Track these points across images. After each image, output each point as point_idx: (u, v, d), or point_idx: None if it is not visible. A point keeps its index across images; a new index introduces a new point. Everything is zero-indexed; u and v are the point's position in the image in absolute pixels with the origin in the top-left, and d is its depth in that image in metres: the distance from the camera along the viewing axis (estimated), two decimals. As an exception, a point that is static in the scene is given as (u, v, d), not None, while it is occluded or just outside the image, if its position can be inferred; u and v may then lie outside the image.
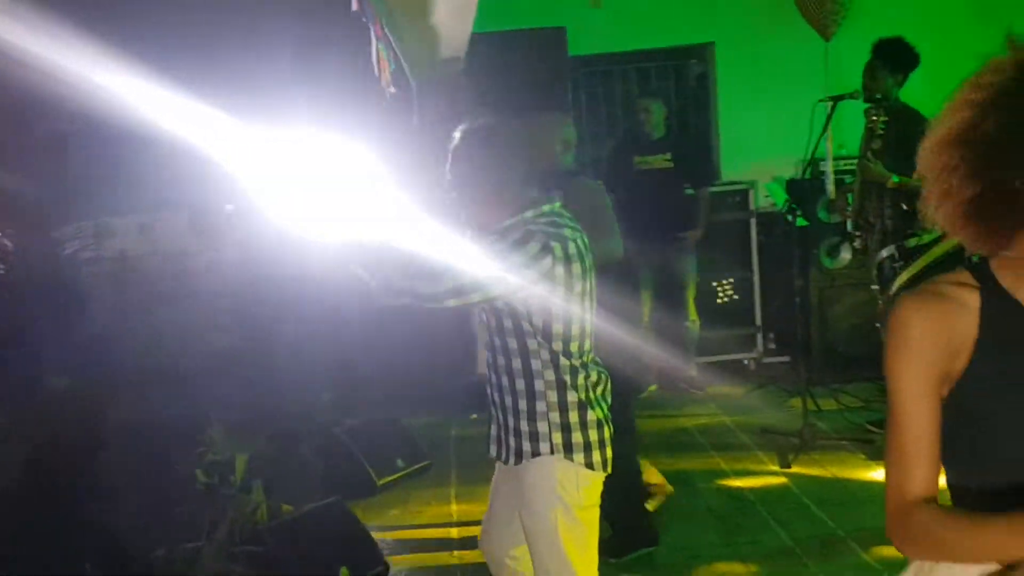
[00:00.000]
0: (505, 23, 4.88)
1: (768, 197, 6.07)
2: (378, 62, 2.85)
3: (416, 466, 4.69)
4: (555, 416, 2.26)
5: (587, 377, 2.30)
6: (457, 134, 2.35)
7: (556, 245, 2.21)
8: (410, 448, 4.79)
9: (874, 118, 4.20)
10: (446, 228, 2.35)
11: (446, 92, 5.03)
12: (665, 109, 5.68)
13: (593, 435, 2.28)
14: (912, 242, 3.26)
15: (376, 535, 3.76)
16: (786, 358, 6.15)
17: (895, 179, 4.21)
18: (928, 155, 1.27)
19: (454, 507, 4.28)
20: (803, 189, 5.80)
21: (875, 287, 3.61)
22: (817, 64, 6.19)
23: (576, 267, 2.25)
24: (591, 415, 2.29)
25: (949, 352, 1.24)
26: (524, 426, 2.28)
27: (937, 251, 3.22)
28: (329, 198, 2.27)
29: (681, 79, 6.72)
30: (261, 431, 4.33)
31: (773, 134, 6.22)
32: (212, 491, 3.55)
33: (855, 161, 5.83)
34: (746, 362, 6.27)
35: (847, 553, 3.56)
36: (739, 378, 5.98)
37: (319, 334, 4.79)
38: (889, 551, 3.51)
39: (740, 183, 6.13)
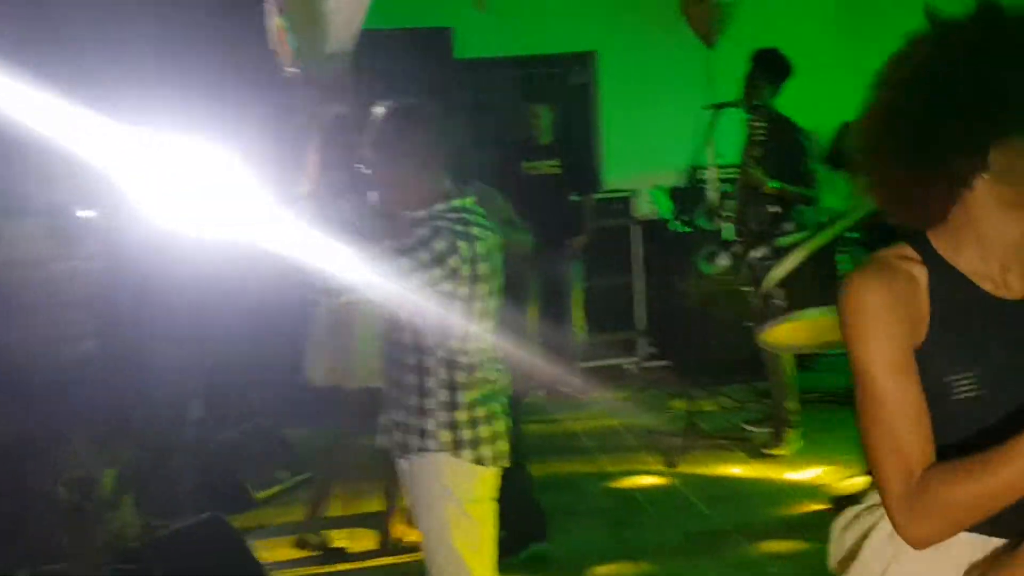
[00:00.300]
0: (391, 20, 4.78)
1: (652, 204, 6.18)
2: (277, 39, 2.69)
3: (297, 478, 4.51)
4: (443, 415, 2.21)
5: (483, 376, 2.26)
6: (382, 110, 2.28)
7: (463, 244, 2.16)
8: (290, 460, 4.61)
9: (755, 125, 4.32)
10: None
11: (328, 88, 4.87)
12: (552, 115, 5.72)
13: (484, 431, 2.24)
14: (783, 241, 3.35)
15: (258, 550, 3.57)
16: (666, 362, 6.29)
17: (771, 184, 4.36)
18: (860, 137, 1.26)
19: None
20: (685, 196, 5.95)
21: (747, 287, 3.69)
22: (699, 73, 6.37)
23: (482, 267, 2.20)
24: (482, 411, 2.25)
25: (910, 323, 1.20)
26: (413, 421, 2.23)
27: (816, 243, 3.32)
28: (202, 197, 2.12)
29: (564, 86, 6.78)
30: (130, 443, 4.05)
31: (656, 142, 6.36)
32: (76, 508, 3.30)
33: (736, 169, 6.04)
34: (627, 366, 6.36)
35: (735, 547, 3.63)
36: (622, 382, 6.07)
37: (190, 342, 4.55)
38: (776, 544, 3.64)
39: (623, 191, 6.23)
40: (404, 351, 2.24)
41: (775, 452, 4.63)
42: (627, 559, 3.62)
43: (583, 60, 6.70)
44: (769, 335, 3.48)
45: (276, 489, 4.39)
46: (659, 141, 6.43)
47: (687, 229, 5.66)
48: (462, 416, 2.22)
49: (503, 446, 2.27)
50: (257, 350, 4.96)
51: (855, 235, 3.44)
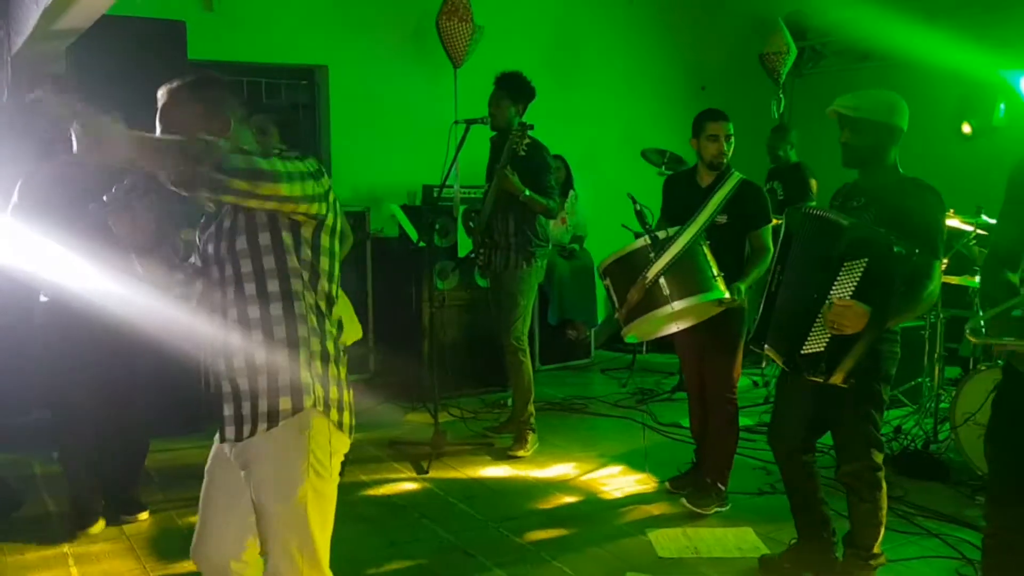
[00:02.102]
0: (121, 7, 4.41)
1: (392, 219, 6.25)
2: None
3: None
4: (317, 365, 2.07)
5: (338, 330, 2.16)
6: (175, 84, 2.14)
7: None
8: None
9: (520, 141, 4.57)
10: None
11: (48, 67, 4.39)
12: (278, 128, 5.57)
13: (346, 395, 2.15)
14: (662, 234, 3.61)
15: None
16: (393, 378, 6.33)
17: (527, 192, 4.65)
18: None
19: (65, 548, 3.67)
20: (422, 212, 6.10)
21: (605, 281, 3.88)
22: (443, 91, 6.60)
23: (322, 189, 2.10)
24: (342, 372, 2.15)
25: None
26: (285, 380, 2.04)
27: (687, 236, 3.62)
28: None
29: (293, 98, 6.65)
30: None
31: (390, 158, 6.46)
32: None
33: (474, 187, 6.31)
34: (359, 381, 6.31)
35: (503, 540, 3.78)
36: (356, 396, 5.99)
37: None
38: (542, 533, 3.85)
39: (356, 207, 6.23)
40: (268, 299, 2.05)
41: (519, 453, 4.88)
42: (402, 559, 3.61)
43: (312, 73, 6.63)
44: (629, 330, 3.69)
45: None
46: (393, 157, 6.55)
47: (422, 244, 5.79)
48: (332, 371, 2.10)
49: (353, 419, 2.19)
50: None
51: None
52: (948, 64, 6.52)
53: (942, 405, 5.02)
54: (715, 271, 3.64)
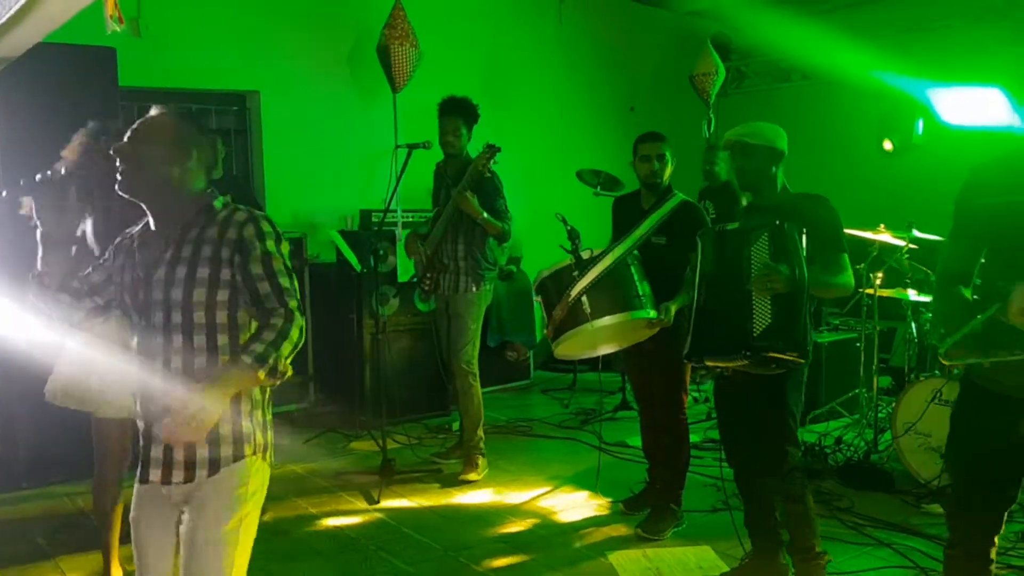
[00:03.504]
0: (54, 34, 4.25)
1: (331, 244, 6.14)
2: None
3: None
4: (258, 414, 2.16)
5: None
6: (138, 124, 2.16)
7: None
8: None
9: (487, 163, 4.55)
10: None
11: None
12: (223, 150, 5.44)
13: (271, 435, 2.22)
14: (586, 254, 3.65)
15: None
16: (334, 407, 6.21)
17: (484, 215, 4.62)
18: None
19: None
20: (360, 237, 6.01)
21: (537, 298, 3.88)
22: (377, 115, 6.53)
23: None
24: (269, 414, 2.23)
25: None
26: (225, 430, 2.09)
27: (612, 257, 3.68)
28: None
29: (223, 124, 6.50)
30: None
31: (325, 184, 6.36)
32: None
33: (414, 211, 6.25)
34: (298, 411, 6.17)
35: (463, 570, 3.72)
36: (293, 428, 5.88)
37: None
38: (499, 560, 3.79)
39: (293, 233, 6.10)
40: (216, 352, 2.08)
41: (470, 478, 4.82)
42: (361, 595, 3.52)
43: (243, 100, 6.49)
44: (559, 347, 3.70)
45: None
46: (328, 182, 6.45)
47: (362, 270, 5.71)
48: (269, 416, 2.21)
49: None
50: None
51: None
52: (869, 83, 6.77)
53: (880, 415, 5.16)
54: (641, 291, 3.67)
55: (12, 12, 3.06)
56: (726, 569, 3.57)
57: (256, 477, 2.15)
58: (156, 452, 2.13)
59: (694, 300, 3.25)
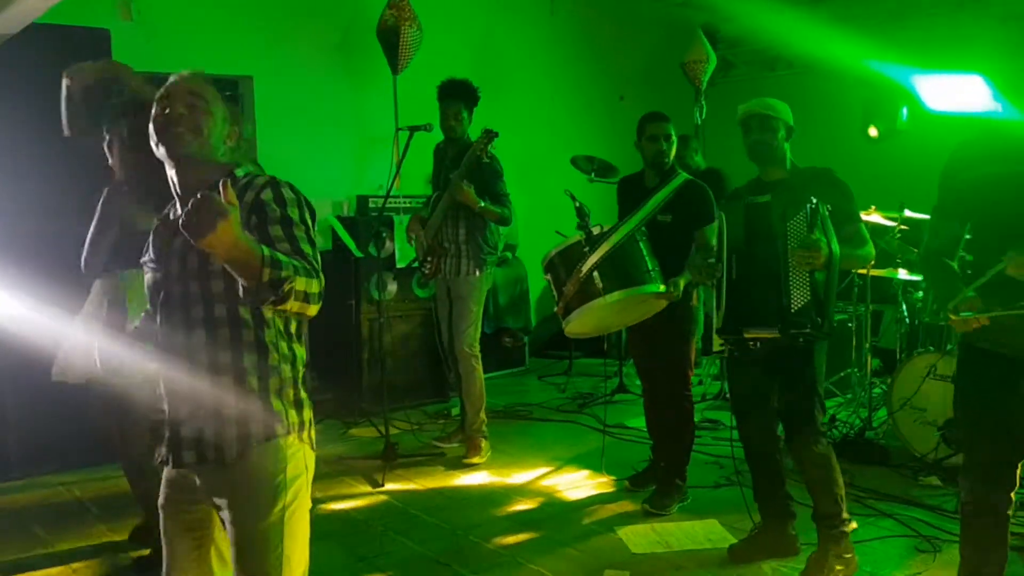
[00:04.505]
0: (49, 15, 4.22)
1: (332, 229, 6.14)
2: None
3: None
4: (289, 392, 2.03)
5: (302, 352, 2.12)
6: (169, 87, 2.04)
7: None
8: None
9: (485, 149, 4.57)
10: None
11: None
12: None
13: (309, 413, 2.10)
14: (596, 230, 3.68)
15: None
16: (332, 394, 6.21)
17: (482, 204, 4.65)
18: None
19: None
20: (357, 223, 6.01)
21: (546, 277, 3.90)
22: (370, 100, 6.52)
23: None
24: (303, 392, 2.10)
25: None
26: (252, 407, 1.98)
27: (621, 233, 3.71)
28: None
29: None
30: None
31: (320, 170, 6.34)
32: None
33: (411, 197, 6.26)
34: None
35: (474, 547, 3.75)
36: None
37: None
38: (510, 538, 3.83)
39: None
40: (240, 327, 1.97)
41: (474, 460, 4.86)
42: (374, 572, 3.54)
43: (235, 85, 6.46)
44: (570, 324, 3.73)
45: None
46: (322, 168, 6.44)
47: (368, 252, 5.72)
48: (303, 394, 2.07)
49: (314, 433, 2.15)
50: None
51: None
52: (854, 71, 6.86)
53: (874, 392, 5.26)
54: (650, 266, 3.72)
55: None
56: (734, 541, 3.63)
57: (294, 460, 2.02)
58: (184, 431, 2.01)
59: (723, 273, 3.29)
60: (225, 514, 2.03)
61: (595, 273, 3.62)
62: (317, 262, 1.95)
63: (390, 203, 5.91)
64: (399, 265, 6.04)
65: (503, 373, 7.20)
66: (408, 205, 6.13)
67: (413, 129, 4.77)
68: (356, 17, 6.65)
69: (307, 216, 2.02)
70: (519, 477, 4.67)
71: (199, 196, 1.68)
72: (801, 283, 3.08)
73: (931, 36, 7.03)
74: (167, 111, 2.00)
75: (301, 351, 2.10)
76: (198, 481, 2.05)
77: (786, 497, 3.49)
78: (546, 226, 6.33)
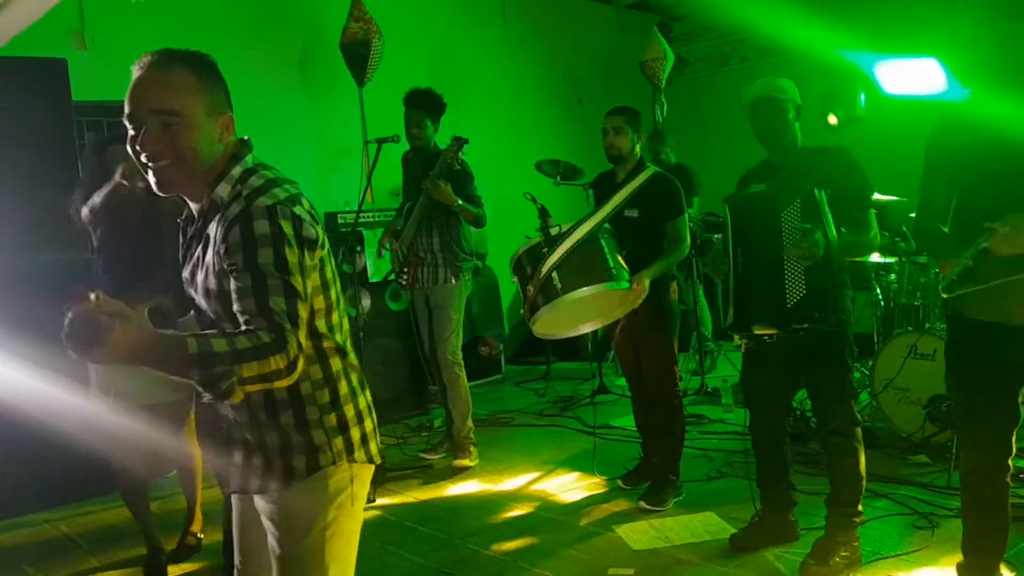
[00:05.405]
0: (4, 48, 4.12)
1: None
2: None
3: None
4: (331, 419, 1.89)
5: (350, 358, 1.97)
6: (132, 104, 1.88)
7: (296, 207, 1.81)
8: None
9: (456, 155, 4.55)
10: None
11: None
12: None
13: (368, 424, 1.99)
14: (555, 230, 3.64)
15: None
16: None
17: (459, 202, 4.62)
18: None
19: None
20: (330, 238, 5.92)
21: (514, 279, 3.86)
22: (331, 116, 6.45)
23: (317, 226, 1.89)
24: (362, 402, 1.98)
25: None
26: (292, 440, 1.88)
27: (582, 232, 3.67)
28: None
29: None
30: None
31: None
32: None
33: (379, 211, 6.20)
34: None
35: (476, 555, 3.71)
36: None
37: None
38: (509, 544, 3.80)
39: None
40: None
41: (465, 463, 4.85)
42: (376, 589, 3.49)
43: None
44: (536, 324, 3.69)
45: None
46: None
47: (349, 269, 5.66)
48: (350, 412, 1.92)
49: (379, 438, 2.05)
50: None
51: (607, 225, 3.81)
52: (809, 59, 6.94)
53: (854, 377, 5.30)
54: (612, 263, 3.67)
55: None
56: (733, 531, 3.64)
57: (335, 479, 1.90)
58: (235, 458, 1.94)
59: (730, 269, 3.26)
60: (268, 525, 1.96)
61: (554, 273, 3.58)
62: (296, 314, 1.69)
63: (363, 218, 5.86)
64: (372, 280, 5.98)
65: (480, 382, 7.16)
66: (378, 219, 6.08)
67: (381, 141, 4.74)
68: (311, 35, 6.61)
69: (289, 250, 1.74)
70: (511, 483, 4.64)
71: (73, 313, 1.45)
72: (796, 276, 3.03)
73: (886, 20, 7.17)
74: (141, 153, 1.82)
75: (337, 363, 1.92)
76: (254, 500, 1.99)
77: (789, 486, 3.50)
78: (514, 233, 6.31)
